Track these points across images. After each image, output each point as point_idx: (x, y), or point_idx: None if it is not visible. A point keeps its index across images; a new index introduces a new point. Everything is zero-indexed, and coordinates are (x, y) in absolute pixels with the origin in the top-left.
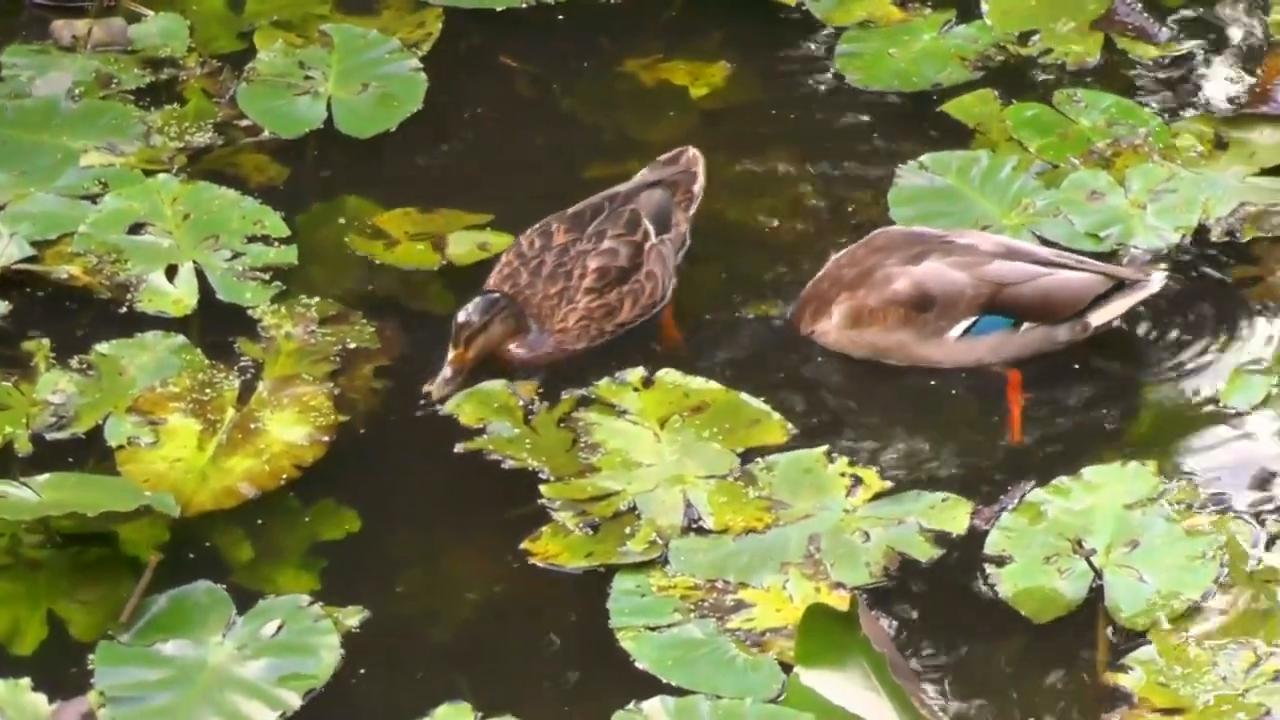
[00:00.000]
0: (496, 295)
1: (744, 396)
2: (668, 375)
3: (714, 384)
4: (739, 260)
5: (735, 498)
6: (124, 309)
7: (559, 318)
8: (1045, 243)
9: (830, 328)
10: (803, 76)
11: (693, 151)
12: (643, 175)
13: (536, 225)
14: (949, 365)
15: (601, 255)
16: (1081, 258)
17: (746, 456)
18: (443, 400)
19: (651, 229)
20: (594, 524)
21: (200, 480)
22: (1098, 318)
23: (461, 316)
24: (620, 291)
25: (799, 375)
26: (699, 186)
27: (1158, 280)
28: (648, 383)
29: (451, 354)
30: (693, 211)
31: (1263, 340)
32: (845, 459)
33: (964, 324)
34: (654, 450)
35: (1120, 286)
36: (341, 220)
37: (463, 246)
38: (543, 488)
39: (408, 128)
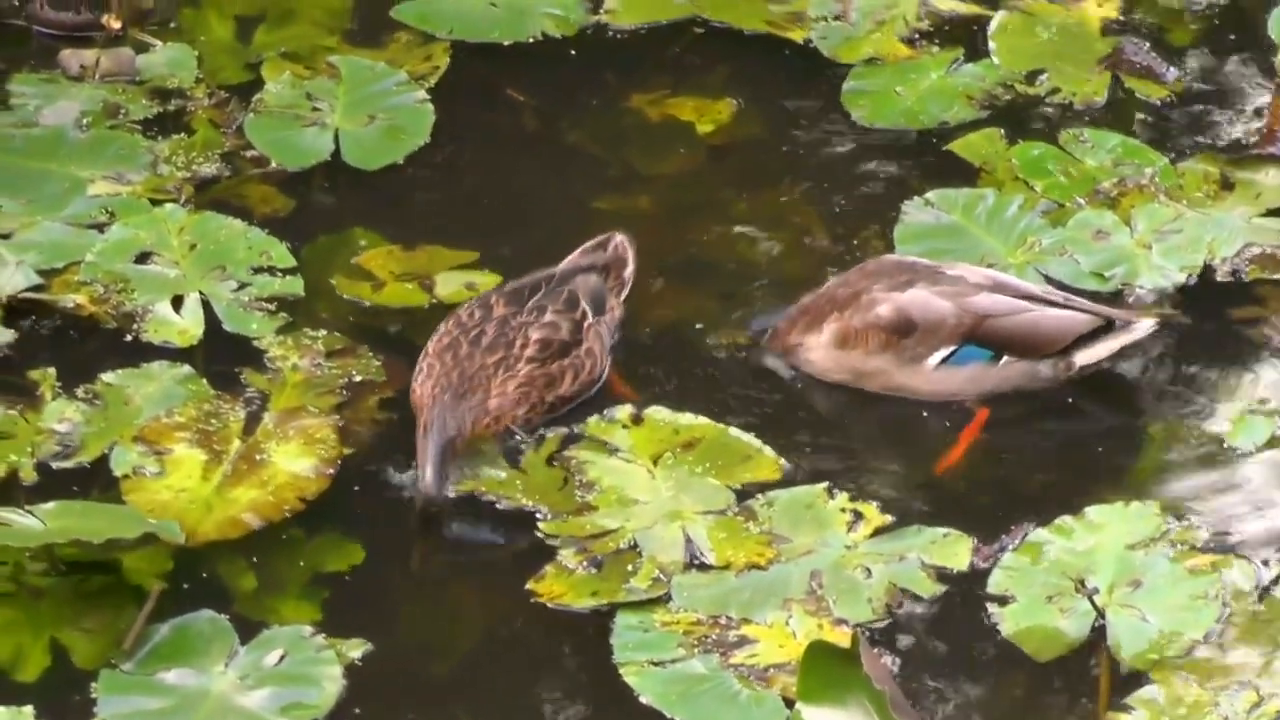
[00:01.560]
0: (440, 443)
1: (734, 432)
2: (657, 412)
3: (703, 420)
4: (742, 295)
5: (735, 533)
6: (130, 338)
7: (497, 384)
8: (1049, 281)
9: (817, 345)
10: (809, 113)
11: (620, 237)
12: (574, 259)
13: (476, 298)
14: (926, 393)
15: (544, 328)
16: (1071, 296)
17: (741, 493)
18: (444, 498)
19: (589, 309)
20: (597, 561)
21: (205, 510)
22: (1083, 358)
23: (430, 491)
24: (561, 364)
25: (795, 410)
26: (629, 272)
27: (1146, 325)
28: (637, 420)
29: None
30: (624, 296)
31: (1267, 381)
32: (845, 494)
33: (943, 352)
34: (649, 487)
35: (1109, 327)
36: (347, 252)
37: (450, 286)
38: (542, 525)
39: (415, 160)
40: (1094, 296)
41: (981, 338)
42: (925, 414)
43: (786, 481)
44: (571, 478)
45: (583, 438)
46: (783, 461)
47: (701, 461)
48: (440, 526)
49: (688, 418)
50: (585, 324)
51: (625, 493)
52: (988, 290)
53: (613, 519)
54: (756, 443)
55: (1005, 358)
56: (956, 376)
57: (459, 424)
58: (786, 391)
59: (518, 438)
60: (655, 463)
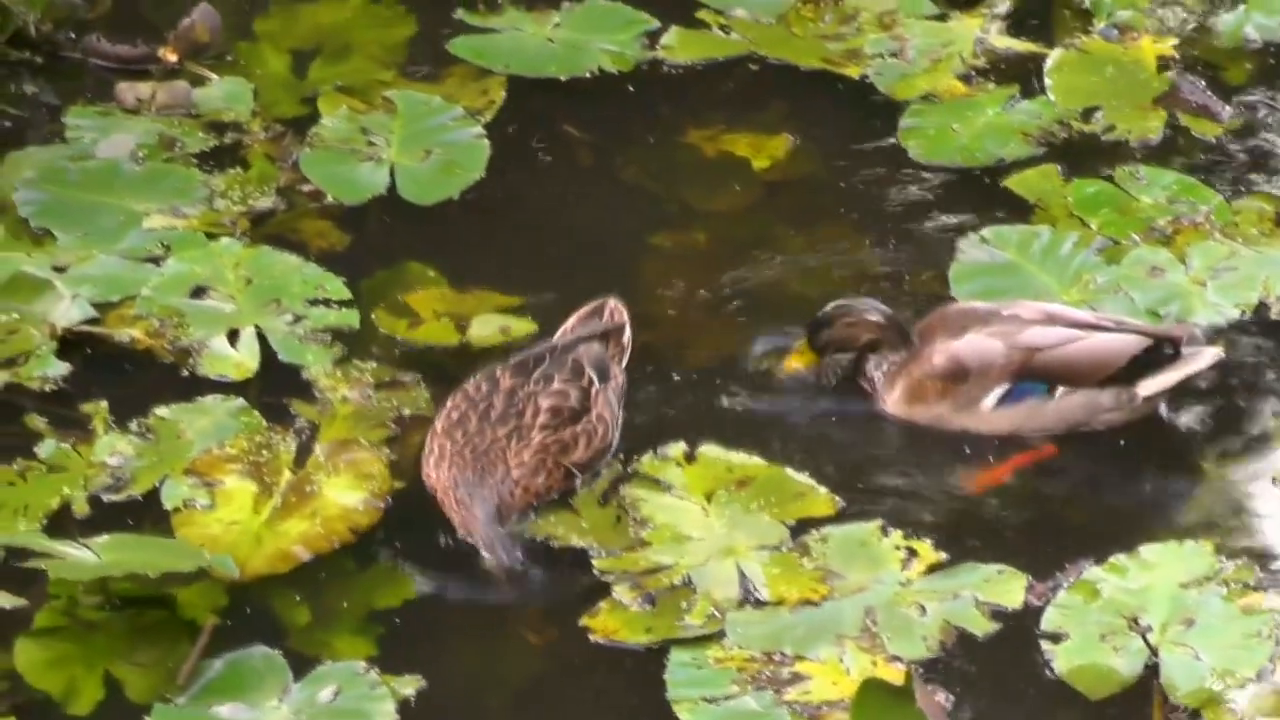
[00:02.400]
0: (488, 523)
1: (788, 471)
2: (709, 450)
3: (757, 458)
4: (798, 331)
5: (789, 569)
6: (184, 372)
7: (513, 455)
8: None
9: (892, 401)
10: (865, 150)
11: (614, 303)
12: (572, 328)
13: (483, 372)
14: (988, 433)
15: (553, 395)
16: (1125, 320)
17: (795, 529)
18: (518, 562)
19: (595, 377)
20: (651, 597)
21: (255, 544)
22: (1146, 388)
23: (504, 564)
24: (574, 430)
25: (850, 446)
26: (628, 338)
27: (1210, 354)
28: (690, 458)
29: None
30: (625, 363)
31: None
32: (899, 532)
33: (998, 391)
34: (703, 524)
35: (1173, 356)
36: (401, 287)
37: (485, 329)
38: (595, 562)
39: (470, 195)
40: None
41: (1034, 372)
42: (981, 451)
43: (841, 518)
44: (625, 515)
45: (635, 475)
46: (837, 498)
47: (755, 498)
48: (508, 573)
49: (741, 455)
50: (593, 391)
51: (679, 529)
52: (1040, 324)
53: (667, 555)
54: (810, 480)
55: (1060, 389)
56: (1015, 414)
57: (498, 500)
58: (841, 427)
59: (577, 480)
60: (709, 499)
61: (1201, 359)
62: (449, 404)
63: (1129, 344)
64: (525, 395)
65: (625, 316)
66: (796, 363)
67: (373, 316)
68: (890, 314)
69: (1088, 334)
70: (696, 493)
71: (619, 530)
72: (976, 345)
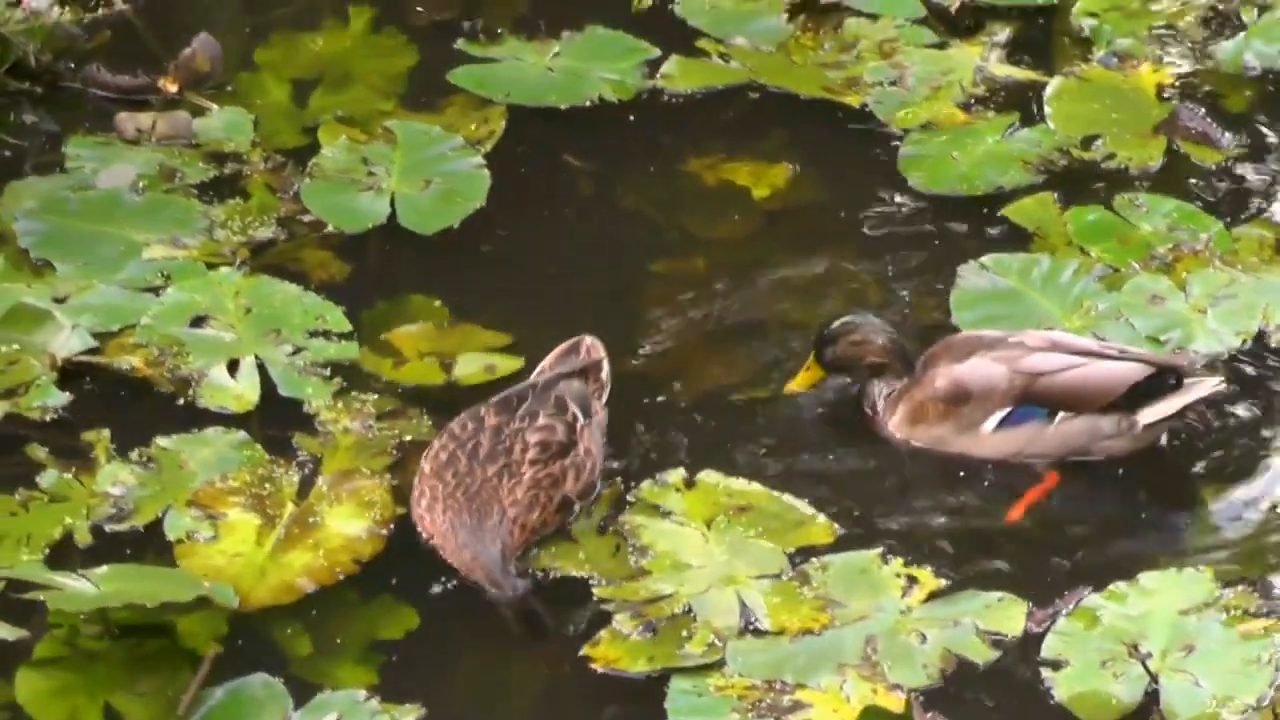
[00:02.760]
0: (491, 566)
1: (787, 498)
2: (708, 476)
3: (756, 485)
4: (798, 359)
5: (790, 598)
6: (185, 402)
7: (506, 493)
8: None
9: (895, 424)
10: (865, 178)
11: (590, 340)
12: (550, 365)
13: (468, 411)
14: (989, 457)
15: (540, 431)
16: (1128, 349)
17: (795, 557)
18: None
19: (579, 411)
20: (652, 626)
21: (259, 575)
22: (1147, 415)
23: (509, 595)
24: (563, 464)
25: (850, 473)
26: (606, 374)
27: (1211, 383)
28: (689, 484)
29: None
30: (605, 399)
31: None
32: (900, 560)
33: (998, 415)
34: (703, 551)
35: (1175, 386)
36: (402, 317)
37: (469, 368)
38: (596, 590)
39: (471, 224)
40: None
41: (1036, 397)
42: (982, 477)
43: (841, 545)
44: (624, 543)
45: (635, 503)
46: (836, 526)
47: (755, 526)
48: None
49: (740, 482)
50: (578, 425)
51: (679, 557)
52: (1044, 351)
53: (667, 584)
54: (809, 508)
55: (1061, 415)
56: (1015, 438)
57: (501, 545)
58: (841, 454)
59: (570, 515)
60: (709, 527)
61: (1202, 388)
62: (435, 445)
63: (1131, 371)
64: (512, 432)
65: (602, 352)
66: (799, 385)
67: (355, 363)
68: (895, 338)
69: (1090, 361)
70: (696, 519)
71: (619, 559)
72: (979, 369)
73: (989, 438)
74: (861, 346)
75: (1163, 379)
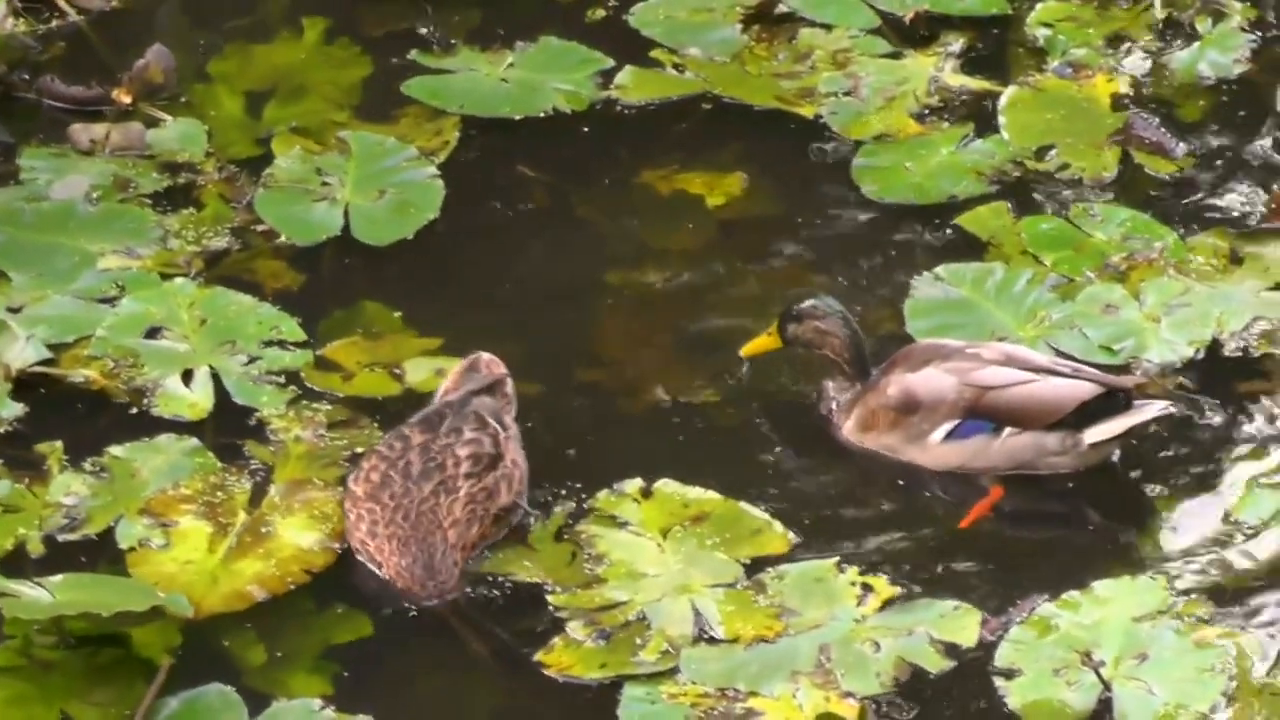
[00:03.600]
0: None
1: (744, 506)
2: (666, 485)
3: (713, 494)
4: (755, 369)
5: (744, 606)
6: (139, 412)
7: (445, 513)
8: (1059, 354)
9: (849, 429)
10: (819, 188)
11: (487, 356)
12: (455, 384)
13: (391, 431)
14: (934, 467)
15: (468, 444)
16: (1081, 368)
17: (751, 566)
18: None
19: (498, 426)
20: (605, 633)
21: (211, 583)
22: (1092, 435)
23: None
24: (495, 475)
25: (806, 483)
26: (511, 388)
27: (1158, 407)
28: (646, 493)
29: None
30: (514, 413)
31: (1275, 455)
32: (855, 569)
33: (946, 427)
34: (658, 560)
35: (1124, 406)
36: (356, 327)
37: (420, 373)
38: (550, 598)
39: (425, 235)
40: (1103, 371)
41: (984, 410)
42: (938, 487)
43: (796, 555)
44: (580, 552)
45: (591, 512)
46: (791, 535)
47: (711, 535)
48: (451, 603)
49: (697, 491)
50: (500, 437)
51: (634, 566)
52: (998, 365)
53: (622, 592)
54: (766, 516)
55: (1008, 430)
56: (962, 450)
57: (447, 578)
58: (797, 464)
59: (531, 518)
60: (665, 536)
61: (1149, 410)
62: (365, 466)
63: (1079, 390)
64: (440, 448)
65: (503, 368)
66: (751, 350)
67: (301, 375)
68: (855, 339)
69: (1041, 378)
70: (652, 529)
71: (574, 567)
72: (929, 379)
73: (936, 448)
74: (823, 335)
75: (1113, 399)
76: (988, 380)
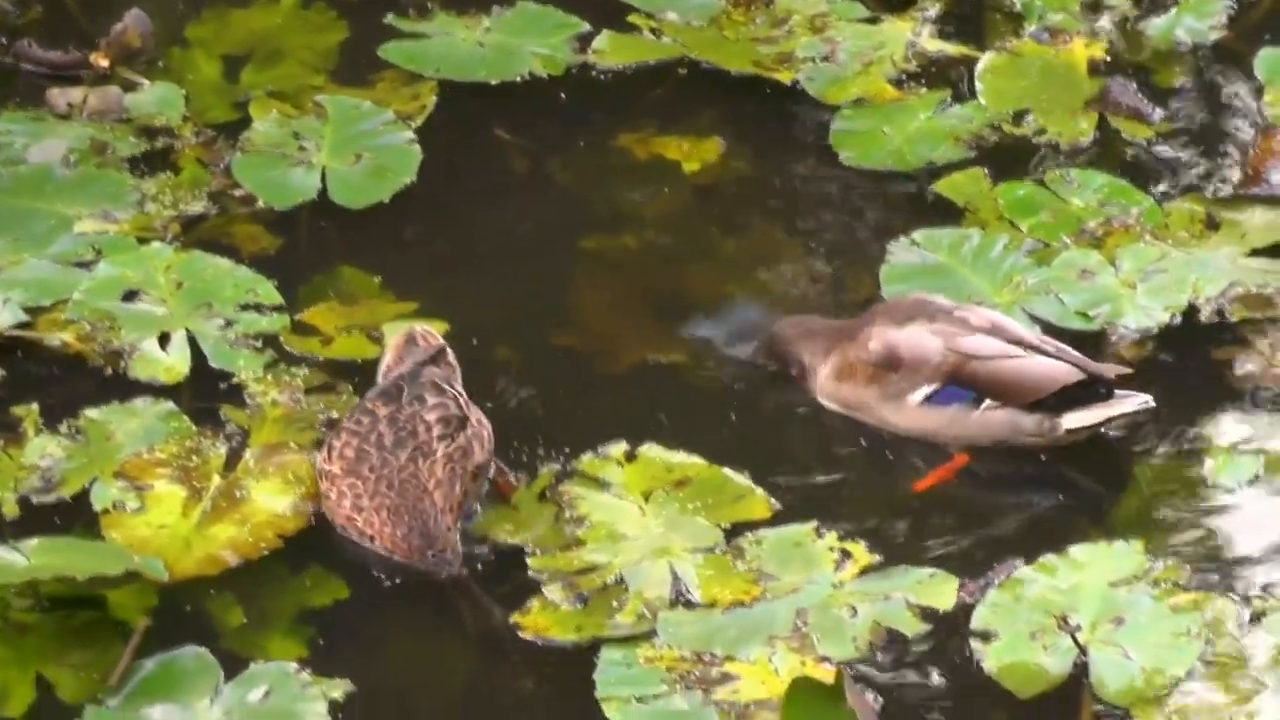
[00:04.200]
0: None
1: (727, 472)
2: (650, 450)
3: (697, 459)
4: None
5: (723, 571)
6: (115, 375)
7: (427, 475)
8: (1035, 321)
9: (822, 374)
10: (796, 153)
11: (420, 328)
12: (396, 359)
13: (356, 406)
14: (907, 430)
15: (434, 409)
16: (1065, 349)
17: (732, 531)
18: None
19: (456, 391)
20: (583, 597)
21: (184, 547)
22: (1070, 420)
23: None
24: (466, 435)
25: (787, 448)
26: (452, 356)
27: (1139, 400)
28: (630, 457)
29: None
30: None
31: (1251, 420)
32: (834, 534)
33: (926, 389)
34: (639, 524)
35: (1105, 396)
36: (333, 291)
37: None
38: (529, 560)
39: (401, 199)
40: (1079, 336)
41: (965, 379)
42: (918, 454)
43: (779, 520)
44: (562, 513)
45: (575, 474)
46: (773, 501)
47: (693, 499)
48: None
49: (681, 456)
50: (462, 400)
51: (615, 528)
52: (984, 333)
53: (601, 554)
54: (748, 482)
55: (987, 402)
56: (938, 416)
57: (445, 543)
58: (781, 428)
59: (513, 476)
60: (646, 499)
61: (1129, 403)
62: (336, 443)
63: (1063, 374)
64: (407, 417)
65: (439, 338)
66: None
67: (280, 339)
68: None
69: (1027, 354)
70: (634, 492)
71: (556, 529)
72: (915, 339)
73: (912, 410)
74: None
75: (1093, 386)
76: (974, 349)
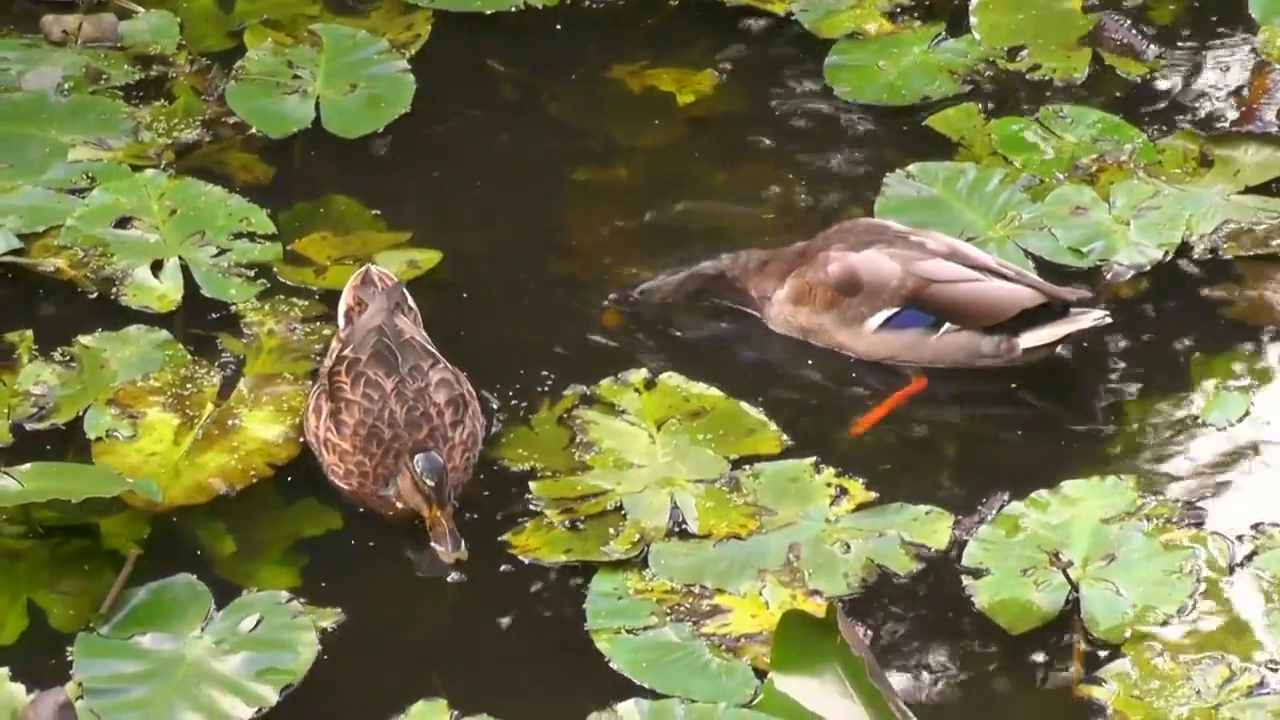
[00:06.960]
0: (429, 455)
1: (743, 405)
2: (670, 379)
3: (715, 390)
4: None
5: (722, 503)
6: (108, 302)
7: (445, 459)
8: (1028, 255)
9: (777, 298)
10: (791, 87)
11: (375, 269)
12: (356, 298)
13: (351, 375)
14: (864, 354)
15: (441, 387)
16: (1023, 272)
17: (739, 464)
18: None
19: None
20: (579, 523)
21: (173, 475)
22: (1027, 340)
23: (430, 482)
24: (469, 415)
25: (787, 380)
26: (411, 301)
27: (1095, 315)
28: (650, 384)
29: (440, 514)
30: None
31: (1242, 358)
32: (831, 470)
33: (884, 314)
34: (647, 452)
35: (1061, 313)
36: (326, 220)
37: (393, 266)
38: (531, 484)
39: (395, 129)
40: (1071, 272)
41: (924, 302)
42: (932, 392)
43: (787, 455)
44: (575, 436)
45: (592, 398)
46: (785, 436)
47: (705, 431)
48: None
49: (700, 386)
50: (457, 373)
51: (622, 455)
52: (943, 257)
53: (605, 480)
54: (763, 416)
55: (946, 326)
56: (896, 340)
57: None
58: (776, 361)
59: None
60: (658, 428)
61: (1084, 320)
62: (351, 422)
63: (1022, 296)
64: (414, 392)
65: (394, 278)
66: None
67: (274, 269)
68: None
69: (985, 278)
70: (649, 420)
71: (566, 453)
72: (873, 262)
73: (870, 336)
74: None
75: (1050, 306)
76: (932, 272)
